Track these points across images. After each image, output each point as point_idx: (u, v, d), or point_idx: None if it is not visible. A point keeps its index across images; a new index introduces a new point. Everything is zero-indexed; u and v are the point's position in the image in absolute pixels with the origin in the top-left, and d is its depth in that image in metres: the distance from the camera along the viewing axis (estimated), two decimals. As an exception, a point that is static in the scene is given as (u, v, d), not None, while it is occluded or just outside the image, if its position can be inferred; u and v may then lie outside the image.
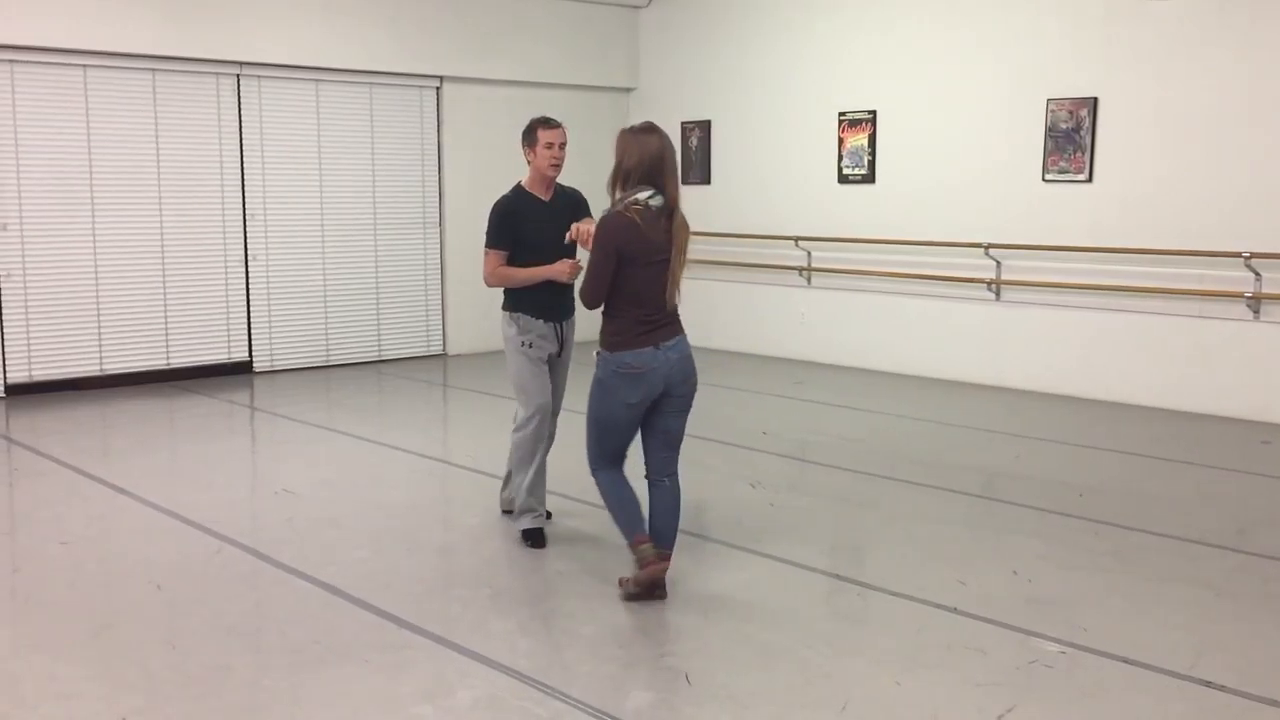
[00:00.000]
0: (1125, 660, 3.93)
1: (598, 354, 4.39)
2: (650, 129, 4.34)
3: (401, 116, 10.59)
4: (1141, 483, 6.42)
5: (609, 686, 3.76)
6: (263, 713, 3.55)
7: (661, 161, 4.26)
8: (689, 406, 4.53)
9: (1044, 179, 8.81)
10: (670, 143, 4.35)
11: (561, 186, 5.34)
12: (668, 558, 4.47)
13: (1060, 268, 8.78)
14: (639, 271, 4.29)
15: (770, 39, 10.74)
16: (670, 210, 4.31)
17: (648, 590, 4.43)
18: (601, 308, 4.38)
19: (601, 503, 4.62)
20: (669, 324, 4.40)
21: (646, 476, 4.55)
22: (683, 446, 4.63)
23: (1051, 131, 8.72)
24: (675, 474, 4.57)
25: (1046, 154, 8.77)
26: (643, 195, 4.27)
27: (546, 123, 5.16)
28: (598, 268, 4.28)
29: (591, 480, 4.60)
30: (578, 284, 4.68)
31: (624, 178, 4.30)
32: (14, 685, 3.76)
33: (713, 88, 11.28)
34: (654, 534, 4.46)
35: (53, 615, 4.38)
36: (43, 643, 4.10)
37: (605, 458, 4.50)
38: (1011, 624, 4.25)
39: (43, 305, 8.81)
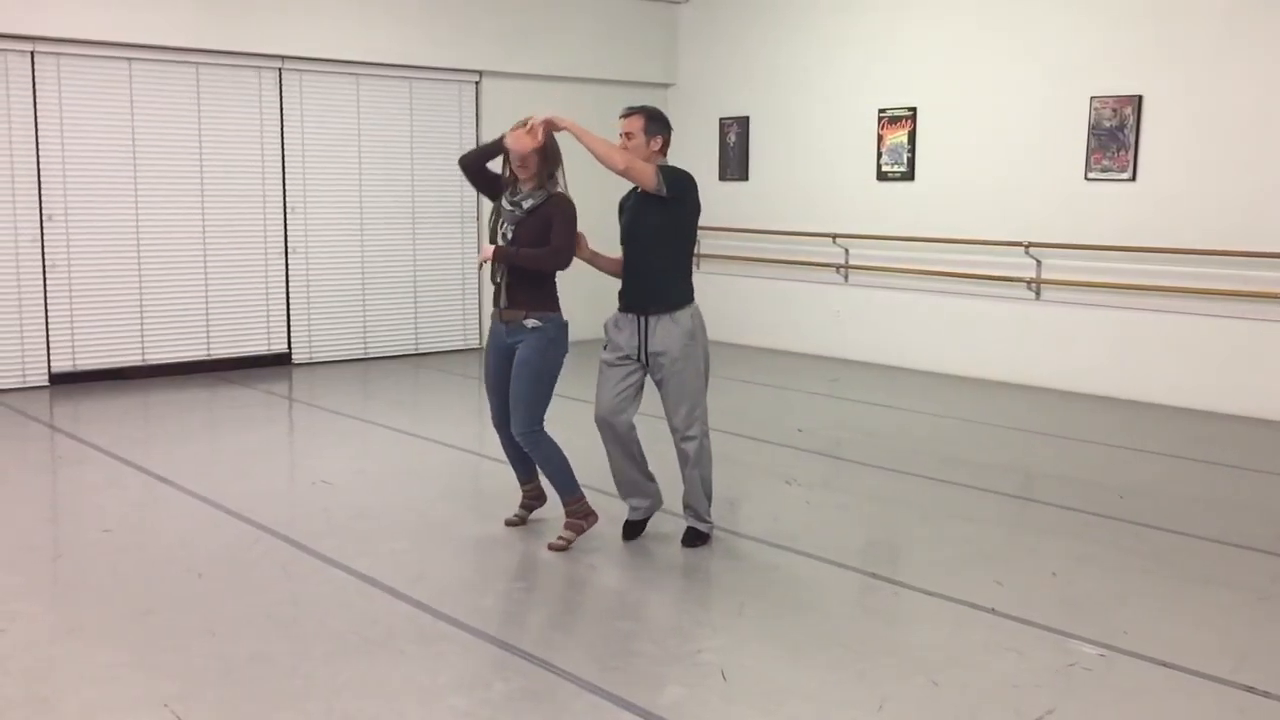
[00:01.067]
0: (1165, 664, 3.89)
1: (544, 319, 4.92)
2: None
3: (440, 111, 10.64)
4: (1182, 485, 6.35)
5: (643, 681, 3.76)
6: (301, 700, 3.58)
7: None
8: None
9: (1086, 177, 8.72)
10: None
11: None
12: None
13: (1101, 267, 8.69)
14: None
15: (810, 35, 10.69)
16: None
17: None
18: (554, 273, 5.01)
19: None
20: None
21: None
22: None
23: (1095, 129, 8.63)
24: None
25: (1089, 152, 8.68)
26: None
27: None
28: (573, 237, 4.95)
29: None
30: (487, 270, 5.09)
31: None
32: (56, 670, 3.82)
33: (751, 84, 11.25)
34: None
35: (95, 601, 4.43)
36: (85, 628, 4.16)
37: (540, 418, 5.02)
38: (1049, 625, 4.21)
39: (87, 295, 8.92)
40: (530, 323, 4.93)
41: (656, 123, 4.95)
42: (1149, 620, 4.31)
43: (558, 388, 5.06)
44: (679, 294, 4.91)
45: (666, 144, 4.99)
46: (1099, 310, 8.76)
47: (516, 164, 4.98)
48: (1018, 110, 9.15)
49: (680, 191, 4.85)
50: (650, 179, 4.77)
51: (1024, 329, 9.21)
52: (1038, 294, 9.09)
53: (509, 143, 4.92)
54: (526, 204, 4.96)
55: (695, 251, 5.09)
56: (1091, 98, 8.63)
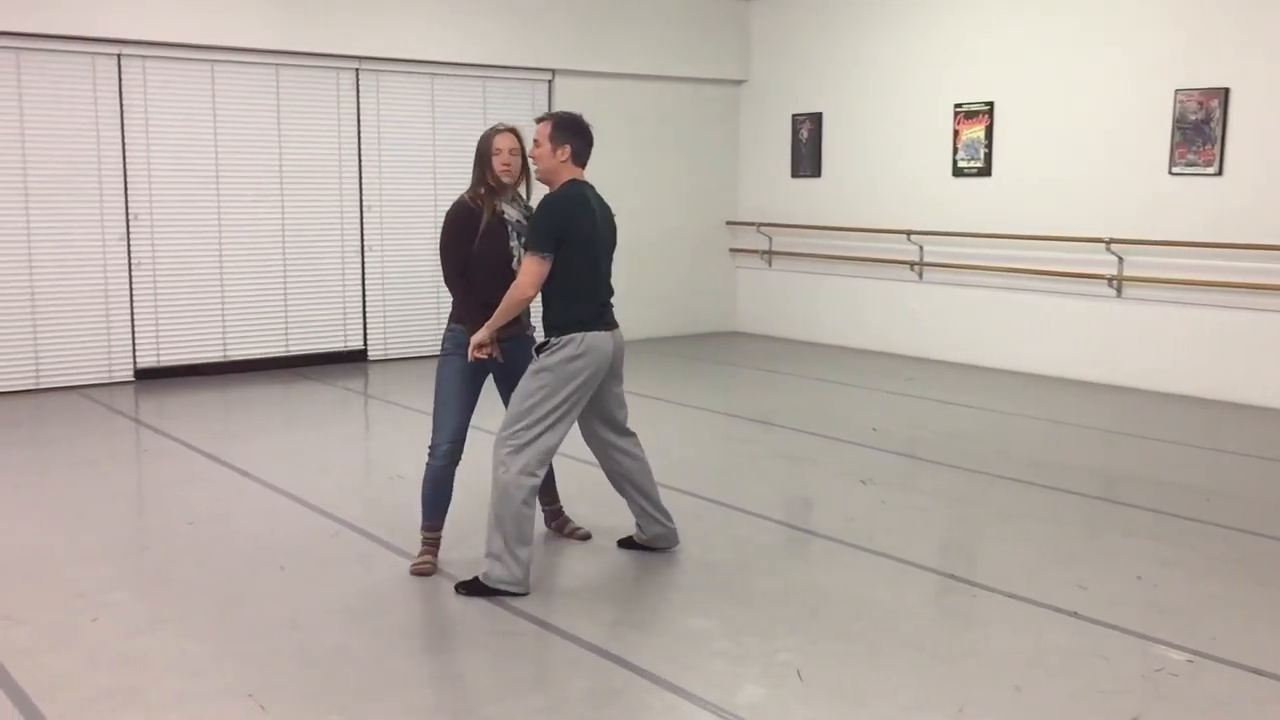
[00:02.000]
0: (1257, 671, 3.79)
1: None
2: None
3: (514, 109, 10.67)
4: (1271, 488, 6.17)
5: (720, 681, 3.75)
6: (382, 693, 3.62)
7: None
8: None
9: (1170, 172, 8.52)
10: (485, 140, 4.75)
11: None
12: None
13: (1186, 264, 8.48)
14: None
15: (885, 29, 10.58)
16: None
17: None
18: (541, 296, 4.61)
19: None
20: None
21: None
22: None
23: (1180, 123, 8.42)
24: None
25: (1174, 146, 8.47)
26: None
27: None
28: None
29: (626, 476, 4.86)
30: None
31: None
32: (146, 659, 3.90)
33: (824, 80, 11.16)
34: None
35: (181, 593, 4.53)
36: (172, 619, 4.25)
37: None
38: (1135, 630, 4.12)
39: (170, 293, 9.13)
40: (529, 331, 4.94)
41: (564, 130, 4.54)
42: (1238, 626, 4.19)
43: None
44: (552, 322, 4.60)
45: (577, 153, 4.56)
46: (1184, 308, 8.55)
47: (502, 169, 4.68)
48: (1099, 104, 8.96)
49: (555, 243, 4.41)
50: (533, 280, 4.41)
51: (1106, 327, 9.02)
52: (1119, 291, 8.90)
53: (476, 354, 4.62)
54: (527, 215, 4.75)
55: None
56: (1176, 90, 8.43)
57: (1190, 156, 8.39)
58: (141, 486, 6.37)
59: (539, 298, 4.54)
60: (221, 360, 9.41)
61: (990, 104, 9.73)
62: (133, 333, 9.00)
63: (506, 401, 4.69)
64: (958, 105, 9.96)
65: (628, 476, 4.85)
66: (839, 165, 11.10)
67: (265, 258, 9.52)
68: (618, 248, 4.80)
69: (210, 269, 9.28)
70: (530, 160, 4.68)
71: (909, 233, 10.29)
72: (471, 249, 4.67)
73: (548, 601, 4.44)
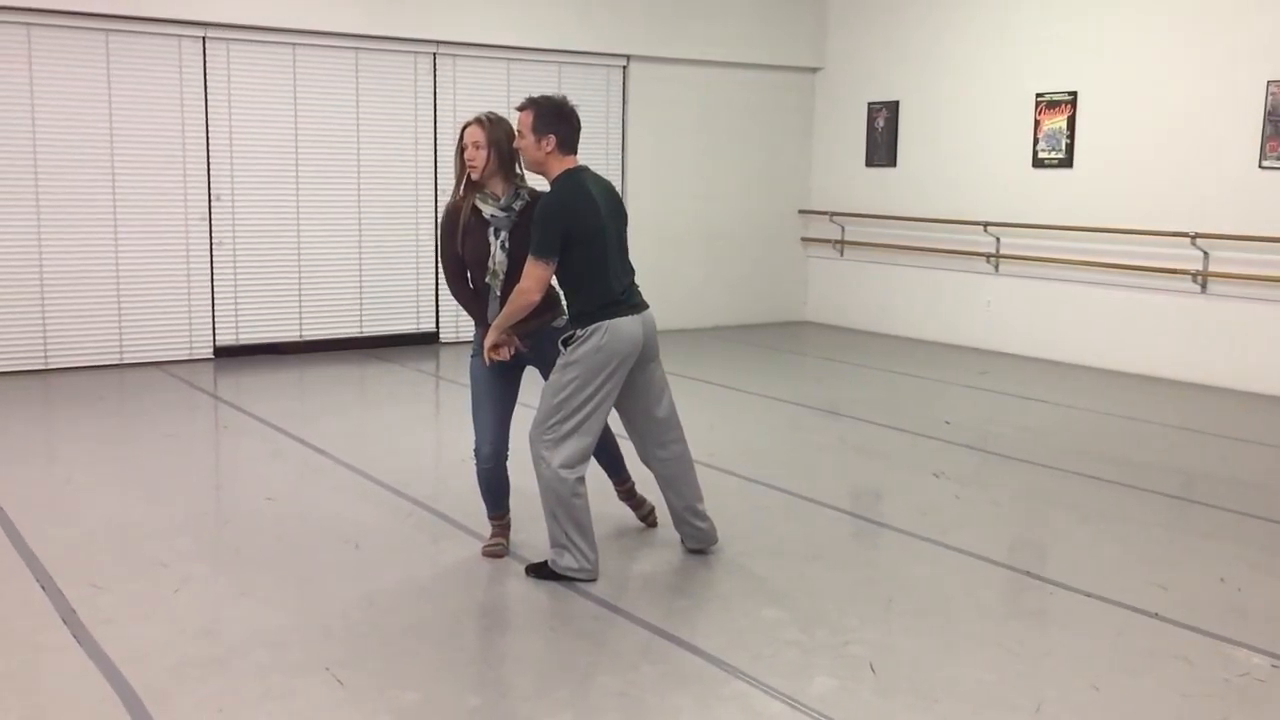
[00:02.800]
0: (1347, 681, 3.69)
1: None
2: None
3: (589, 95, 10.70)
4: (1362, 492, 5.99)
5: (792, 670, 3.73)
6: (455, 671, 3.66)
7: None
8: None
9: (1261, 165, 8.28)
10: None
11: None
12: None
13: (1275, 260, 8.25)
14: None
15: (965, 17, 10.41)
16: None
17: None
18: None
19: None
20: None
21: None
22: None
23: (1272, 115, 8.19)
24: None
25: (1264, 139, 8.24)
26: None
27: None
28: None
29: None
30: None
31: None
32: (226, 631, 3.99)
33: (901, 68, 11.02)
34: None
35: (260, 567, 4.62)
36: (251, 592, 4.33)
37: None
38: (1218, 633, 4.03)
39: (250, 273, 9.29)
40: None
41: (546, 119, 4.29)
42: (1327, 634, 4.08)
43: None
44: (573, 315, 4.49)
45: (564, 141, 4.32)
46: (1272, 305, 8.32)
47: (469, 165, 4.46)
48: (1186, 94, 8.74)
49: (560, 246, 4.27)
50: (538, 286, 4.30)
51: (1190, 324, 8.81)
52: (1204, 287, 8.69)
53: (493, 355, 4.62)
54: (516, 204, 4.47)
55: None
56: (1269, 82, 8.19)
57: (1282, 150, 8.15)
58: (220, 462, 6.50)
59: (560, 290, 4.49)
60: (298, 340, 9.56)
61: (1074, 94, 9.53)
62: (213, 311, 9.18)
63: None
64: (1039, 94, 9.77)
65: (661, 475, 4.73)
66: (915, 155, 10.96)
67: (341, 240, 9.65)
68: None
69: (288, 250, 9.43)
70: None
71: (986, 224, 10.13)
72: (458, 251, 4.56)
73: (618, 586, 4.45)
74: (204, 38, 8.88)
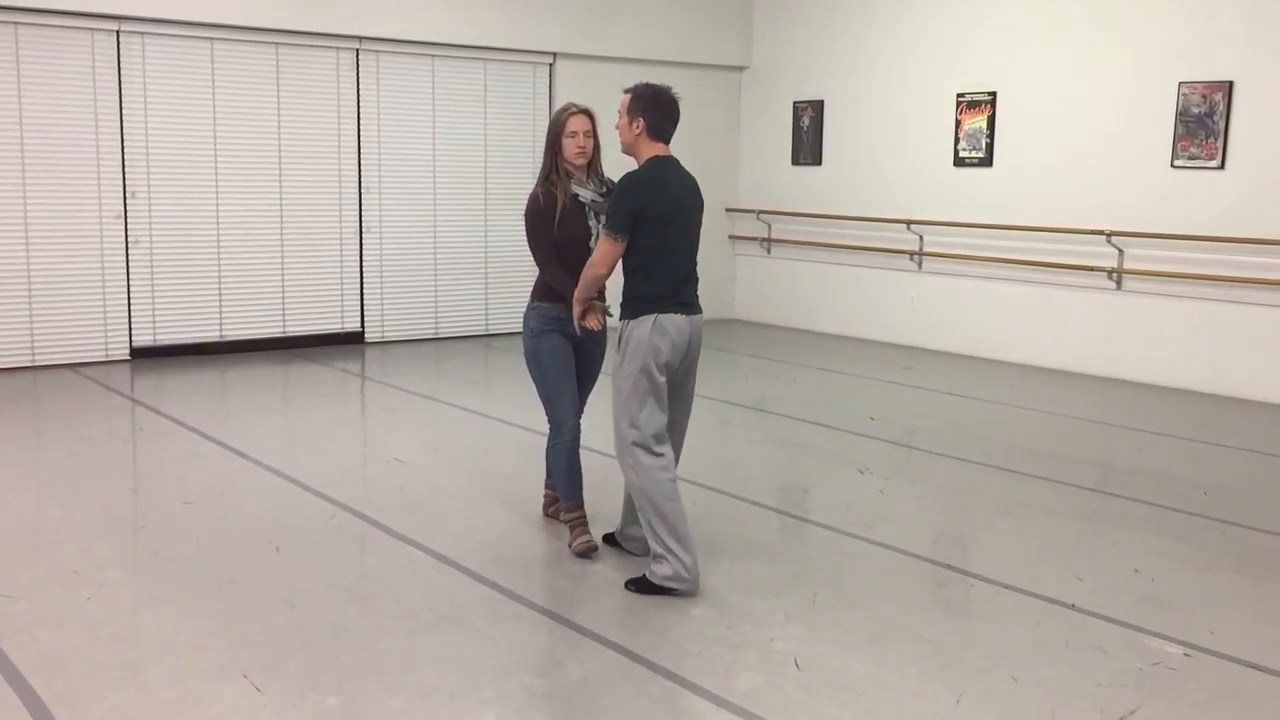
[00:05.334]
0: (1255, 666, 3.79)
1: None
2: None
3: (514, 93, 10.66)
4: (1271, 483, 6.17)
5: (718, 668, 3.74)
6: (378, 674, 3.61)
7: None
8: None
9: (1173, 165, 8.50)
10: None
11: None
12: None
13: (1187, 257, 8.47)
14: None
15: (888, 17, 10.54)
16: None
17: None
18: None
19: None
20: None
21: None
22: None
23: (1183, 116, 8.40)
24: None
25: (1176, 139, 8.45)
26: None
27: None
28: None
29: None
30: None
31: None
32: (141, 637, 3.90)
33: (827, 67, 11.12)
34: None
35: (178, 571, 4.52)
36: (170, 597, 4.23)
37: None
38: (1133, 623, 4.12)
39: (167, 272, 9.09)
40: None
41: (641, 102, 4.33)
42: (1236, 620, 4.20)
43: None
44: (625, 305, 4.43)
45: (653, 126, 4.33)
46: (1184, 301, 8.55)
47: (576, 152, 4.65)
48: (1101, 96, 8.94)
49: (631, 225, 4.29)
50: (608, 259, 4.34)
51: (1105, 319, 9.02)
52: (1119, 284, 8.89)
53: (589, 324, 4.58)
54: (604, 191, 4.71)
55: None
56: (1180, 83, 8.41)
57: (1193, 150, 8.37)
58: (138, 465, 6.35)
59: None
60: (218, 340, 9.38)
61: (993, 94, 9.70)
62: (129, 311, 8.96)
63: (581, 380, 4.84)
64: (960, 95, 9.93)
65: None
66: (840, 153, 11.07)
67: (263, 238, 9.48)
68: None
69: (208, 248, 9.24)
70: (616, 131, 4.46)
71: (909, 222, 10.27)
72: (554, 235, 4.66)
73: (544, 585, 4.43)
74: (118, 31, 8.67)
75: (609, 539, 4.86)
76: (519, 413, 7.49)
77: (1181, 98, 8.41)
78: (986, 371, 9.28)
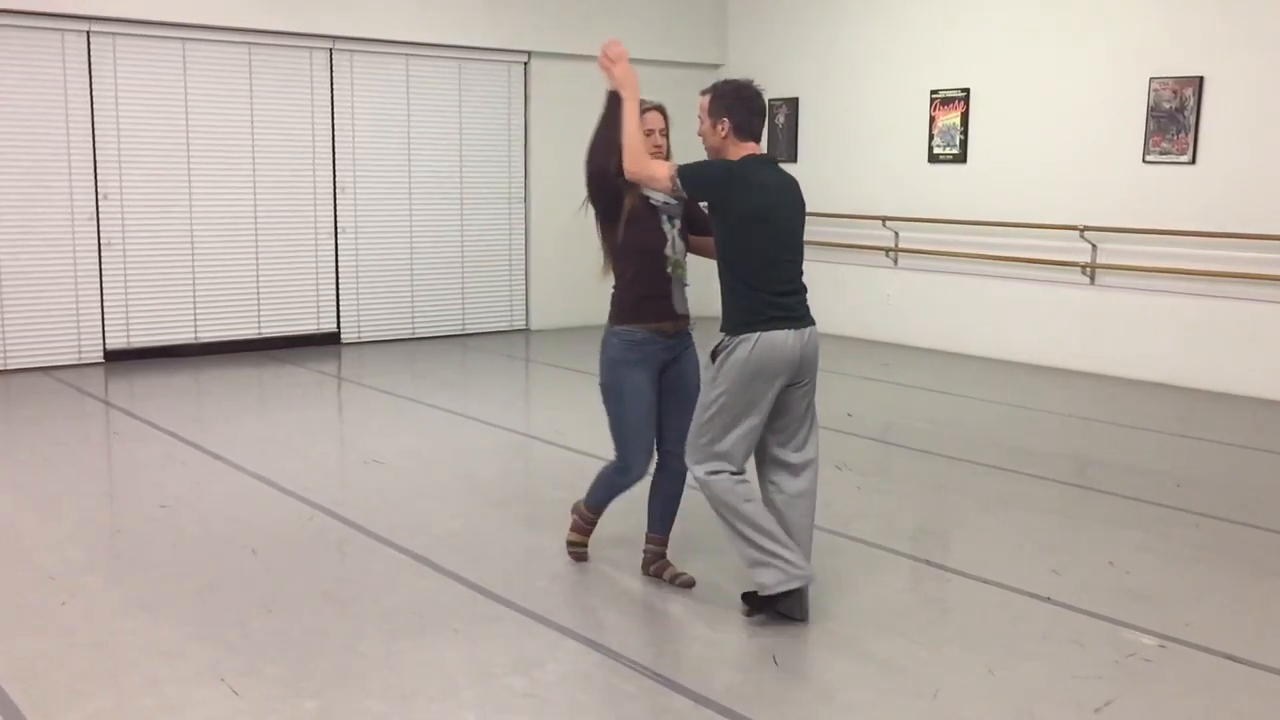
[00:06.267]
0: (1229, 657, 3.83)
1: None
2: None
3: (489, 91, 10.64)
4: (1244, 475, 6.24)
5: (696, 665, 3.75)
6: (359, 678, 3.60)
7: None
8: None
9: (1144, 160, 8.56)
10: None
11: None
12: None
13: (1160, 252, 8.54)
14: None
15: (862, 16, 10.57)
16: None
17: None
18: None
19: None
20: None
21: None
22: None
23: (1154, 111, 8.47)
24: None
25: (1148, 134, 8.52)
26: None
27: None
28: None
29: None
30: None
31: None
32: (120, 643, 3.87)
33: (801, 65, 11.14)
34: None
35: (155, 576, 4.49)
36: (146, 603, 4.21)
37: None
38: (1109, 616, 4.15)
39: (141, 273, 9.03)
40: (691, 326, 4.41)
41: (723, 101, 4.01)
42: (1211, 612, 4.24)
43: None
44: (725, 318, 4.05)
45: (740, 126, 4.01)
46: (1157, 296, 8.62)
47: (653, 151, 4.20)
48: (1073, 92, 9.00)
49: (700, 192, 4.02)
50: (662, 180, 3.99)
51: (1079, 314, 9.08)
52: (1093, 279, 8.96)
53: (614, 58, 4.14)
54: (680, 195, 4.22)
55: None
56: (1151, 79, 8.47)
57: (1164, 145, 8.43)
58: (113, 469, 6.30)
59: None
60: (192, 342, 9.32)
61: (966, 91, 9.75)
62: (102, 314, 8.90)
63: (680, 409, 4.28)
64: (934, 92, 9.97)
65: (771, 506, 4.11)
66: (815, 150, 11.09)
67: (237, 239, 9.43)
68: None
69: (181, 250, 9.18)
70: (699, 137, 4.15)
71: (884, 219, 10.31)
72: (616, 222, 4.21)
73: (525, 586, 4.42)
74: (89, 32, 8.60)
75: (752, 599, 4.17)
76: (497, 413, 7.48)
77: (1153, 93, 8.47)
78: (963, 367, 9.33)
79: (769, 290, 3.98)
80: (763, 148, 4.12)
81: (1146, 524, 5.30)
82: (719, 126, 4.04)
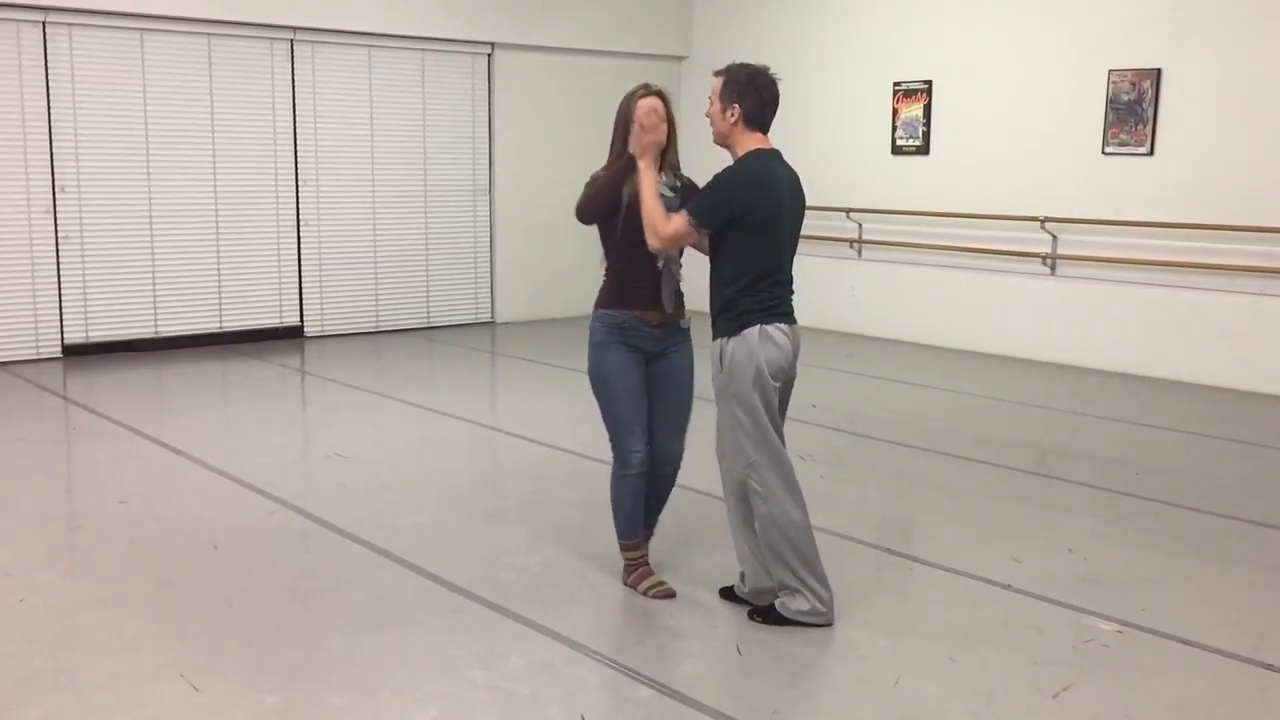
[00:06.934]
0: (1185, 641, 3.88)
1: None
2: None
3: (452, 83, 10.58)
4: (1202, 462, 6.32)
5: (660, 656, 3.76)
6: (321, 672, 3.59)
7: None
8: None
9: (1104, 152, 8.65)
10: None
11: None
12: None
13: (1119, 242, 8.63)
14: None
15: (825, 7, 10.60)
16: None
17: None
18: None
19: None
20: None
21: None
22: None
23: (1113, 103, 8.55)
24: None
25: (1107, 126, 8.60)
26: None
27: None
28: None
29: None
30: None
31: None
32: (78, 639, 3.83)
33: (765, 56, 10.94)
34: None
35: (113, 572, 4.45)
36: (105, 599, 4.17)
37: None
38: (1068, 602, 4.20)
39: (99, 267, 8.92)
40: (684, 323, 4.37)
41: (735, 86, 3.89)
42: (1168, 598, 4.29)
43: None
44: (722, 320, 4.04)
45: (751, 115, 3.92)
46: (1116, 286, 8.71)
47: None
48: (1034, 84, 9.07)
49: (720, 222, 3.88)
50: (686, 235, 3.92)
51: (1041, 305, 9.16)
52: (1053, 269, 9.04)
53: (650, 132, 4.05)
54: (678, 184, 4.21)
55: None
56: (1109, 71, 8.55)
57: (1123, 136, 8.52)
58: (71, 465, 6.23)
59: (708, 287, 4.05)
60: (153, 336, 9.23)
61: (929, 83, 9.80)
62: (60, 308, 8.78)
63: (669, 399, 4.30)
64: (897, 84, 10.02)
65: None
66: (779, 142, 10.92)
67: (198, 232, 9.33)
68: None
69: (140, 243, 9.08)
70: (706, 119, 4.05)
71: (848, 210, 10.35)
72: (614, 223, 4.13)
73: (488, 578, 4.42)
74: (44, 22, 8.48)
75: (726, 593, 4.18)
76: (462, 405, 7.45)
77: (1111, 85, 8.55)
78: (926, 357, 9.39)
79: (772, 288, 3.92)
80: (770, 140, 4.00)
81: (1106, 512, 5.36)
82: (729, 113, 3.92)
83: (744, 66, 3.99)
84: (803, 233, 4.21)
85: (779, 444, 3.92)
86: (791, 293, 4.05)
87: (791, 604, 3.92)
